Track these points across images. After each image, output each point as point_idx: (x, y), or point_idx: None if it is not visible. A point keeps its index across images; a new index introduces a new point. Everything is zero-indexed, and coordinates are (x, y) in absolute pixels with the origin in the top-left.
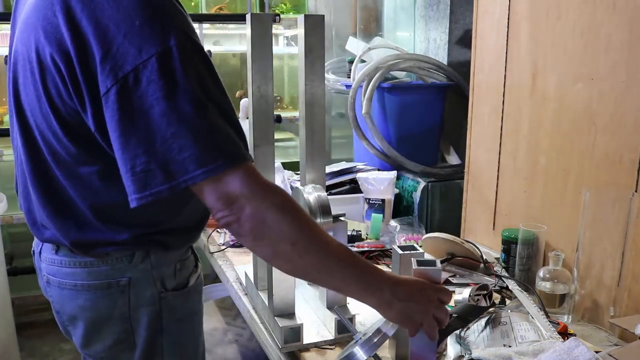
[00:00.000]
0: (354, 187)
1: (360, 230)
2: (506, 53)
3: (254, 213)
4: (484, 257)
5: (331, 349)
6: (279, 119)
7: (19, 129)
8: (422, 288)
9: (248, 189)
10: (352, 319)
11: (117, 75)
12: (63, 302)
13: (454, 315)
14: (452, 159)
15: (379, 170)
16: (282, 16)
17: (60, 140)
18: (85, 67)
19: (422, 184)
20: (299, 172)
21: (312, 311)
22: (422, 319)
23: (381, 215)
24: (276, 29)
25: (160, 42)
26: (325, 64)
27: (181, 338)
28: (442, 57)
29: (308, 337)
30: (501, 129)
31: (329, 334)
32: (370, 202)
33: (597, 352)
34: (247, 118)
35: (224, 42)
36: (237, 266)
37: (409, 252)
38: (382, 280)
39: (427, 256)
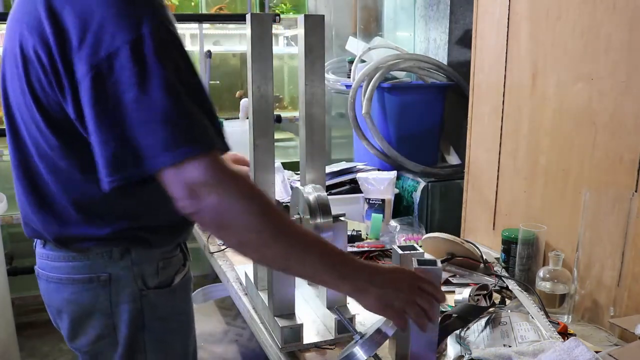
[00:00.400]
0: (354, 187)
1: (360, 230)
2: (506, 53)
3: (217, 202)
4: (484, 257)
5: (331, 349)
6: (279, 119)
7: (8, 125)
8: (402, 275)
9: (212, 178)
10: (352, 319)
11: (92, 62)
12: (50, 295)
13: (454, 315)
14: (452, 159)
15: (379, 170)
16: (282, 16)
17: (43, 133)
18: (64, 56)
19: (422, 184)
20: (299, 172)
21: (312, 311)
22: (402, 306)
23: (381, 215)
24: (276, 29)
25: (134, 29)
26: (325, 64)
27: (165, 336)
28: (442, 57)
29: (308, 337)
30: (501, 129)
31: (329, 334)
32: (370, 202)
33: (597, 352)
34: (247, 118)
35: (224, 42)
36: (237, 266)
37: (409, 252)
38: (357, 267)
39: (427, 256)
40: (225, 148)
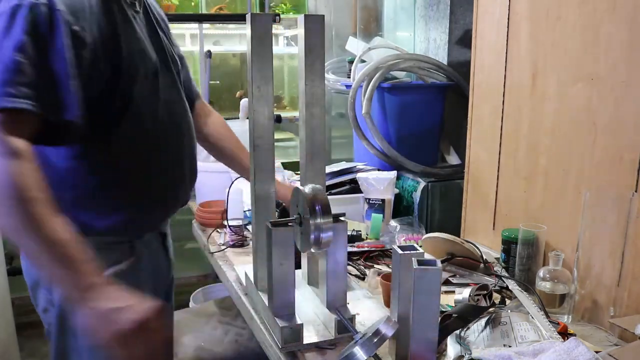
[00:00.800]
0: (354, 187)
1: (360, 230)
2: (506, 53)
3: None
4: (484, 257)
5: (331, 349)
6: (279, 119)
7: None
8: (124, 314)
9: None
10: (352, 319)
11: None
12: None
13: (454, 315)
14: (452, 159)
15: (379, 170)
16: (282, 16)
17: None
18: None
19: (422, 184)
20: (299, 172)
21: (312, 311)
22: (113, 343)
23: (381, 215)
24: (276, 29)
25: None
26: (325, 64)
27: None
28: (442, 57)
29: (308, 337)
30: (501, 129)
31: (329, 334)
32: (370, 202)
33: (597, 352)
34: (247, 118)
35: (224, 42)
36: (237, 266)
37: (409, 252)
38: (82, 284)
39: (427, 256)
40: (26, 110)
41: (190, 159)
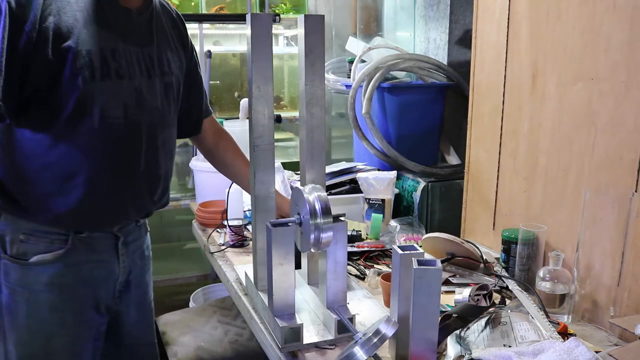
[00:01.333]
0: (354, 187)
1: (360, 230)
2: (506, 53)
3: None
4: (484, 257)
5: (331, 349)
6: (279, 119)
7: None
8: None
9: None
10: (352, 319)
11: None
12: None
13: (454, 315)
14: (452, 159)
15: (379, 170)
16: (282, 16)
17: None
18: None
19: (422, 184)
20: (299, 172)
21: (312, 311)
22: None
23: (381, 215)
24: (276, 29)
25: None
26: (325, 64)
27: (15, 309)
28: (442, 57)
29: (308, 337)
30: (501, 129)
31: (329, 334)
32: (370, 202)
33: (597, 352)
34: (247, 118)
35: (224, 42)
36: (237, 266)
37: (409, 252)
38: None
39: (427, 256)
40: None
41: (150, 169)
